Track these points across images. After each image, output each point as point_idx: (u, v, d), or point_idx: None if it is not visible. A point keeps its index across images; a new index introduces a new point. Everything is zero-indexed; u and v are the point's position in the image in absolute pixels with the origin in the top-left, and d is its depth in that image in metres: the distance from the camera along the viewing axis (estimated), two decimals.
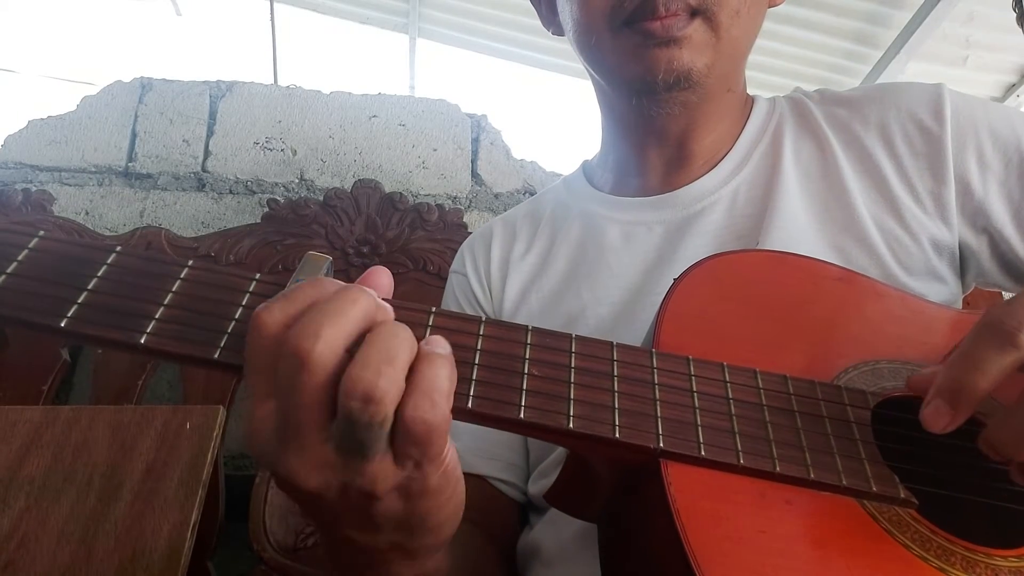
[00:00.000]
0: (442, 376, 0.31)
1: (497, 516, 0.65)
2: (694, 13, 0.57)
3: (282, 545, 1.07)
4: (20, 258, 0.35)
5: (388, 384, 0.30)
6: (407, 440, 0.31)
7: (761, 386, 0.40)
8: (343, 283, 0.34)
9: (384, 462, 0.31)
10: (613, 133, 0.73)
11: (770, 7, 0.66)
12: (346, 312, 0.31)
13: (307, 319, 0.30)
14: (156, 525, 0.73)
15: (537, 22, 0.74)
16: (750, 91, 0.71)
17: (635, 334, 0.48)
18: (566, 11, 0.64)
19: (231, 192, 1.48)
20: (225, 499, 1.03)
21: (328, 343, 0.30)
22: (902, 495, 0.38)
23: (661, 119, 0.64)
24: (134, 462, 0.79)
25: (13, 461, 0.77)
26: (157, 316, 0.34)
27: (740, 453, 0.37)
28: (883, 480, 0.38)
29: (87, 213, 1.43)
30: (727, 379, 0.40)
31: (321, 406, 0.30)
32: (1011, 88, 2.85)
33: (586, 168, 0.78)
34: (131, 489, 0.76)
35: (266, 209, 1.36)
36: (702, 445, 0.37)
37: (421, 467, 0.32)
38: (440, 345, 0.32)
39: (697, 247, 0.62)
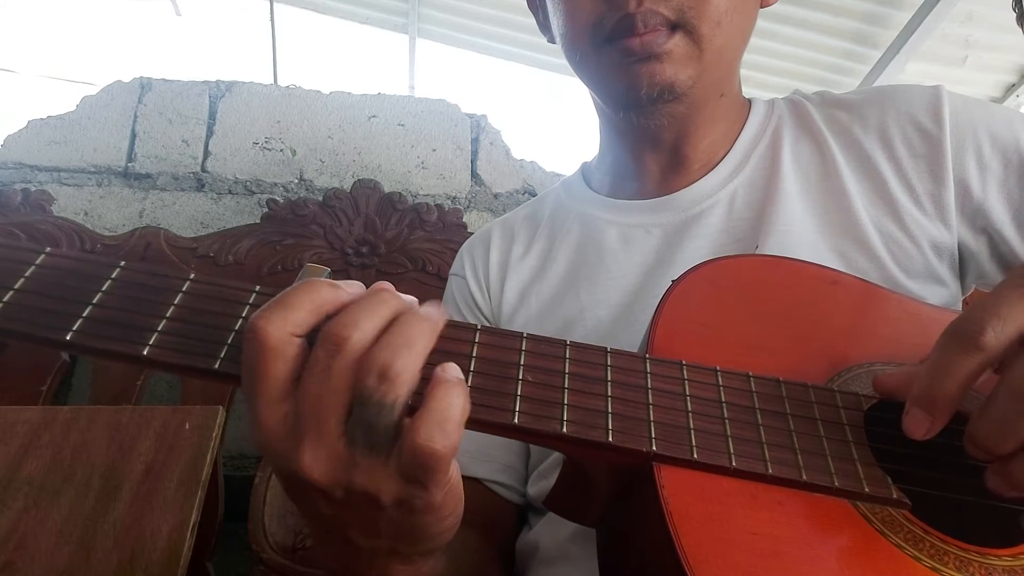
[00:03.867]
0: (455, 405, 0.32)
1: (494, 518, 0.65)
2: (674, 27, 0.57)
3: (281, 545, 1.07)
4: (27, 274, 0.36)
5: (403, 365, 0.31)
6: (414, 465, 0.32)
7: (754, 389, 0.41)
8: (340, 282, 0.35)
9: (389, 470, 0.32)
10: (609, 137, 0.73)
11: (763, 7, 0.66)
12: (379, 309, 0.33)
13: (348, 311, 0.33)
14: (155, 526, 0.73)
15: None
16: (749, 92, 0.71)
17: (633, 337, 0.48)
18: (555, 23, 0.65)
19: (230, 192, 1.48)
20: (224, 499, 1.03)
21: (364, 332, 0.32)
22: (895, 496, 0.38)
23: (652, 129, 0.64)
24: (133, 463, 0.79)
25: (12, 462, 0.77)
26: (159, 329, 0.35)
27: (732, 456, 0.37)
28: (876, 481, 0.38)
29: (86, 213, 1.43)
30: (720, 383, 0.40)
31: (345, 394, 0.32)
32: (1011, 88, 2.85)
33: (585, 170, 0.78)
34: (130, 490, 0.76)
35: (265, 209, 1.36)
36: (695, 448, 0.37)
37: (426, 488, 0.33)
38: (453, 371, 0.34)
39: (695, 250, 0.62)
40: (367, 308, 0.33)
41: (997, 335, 0.35)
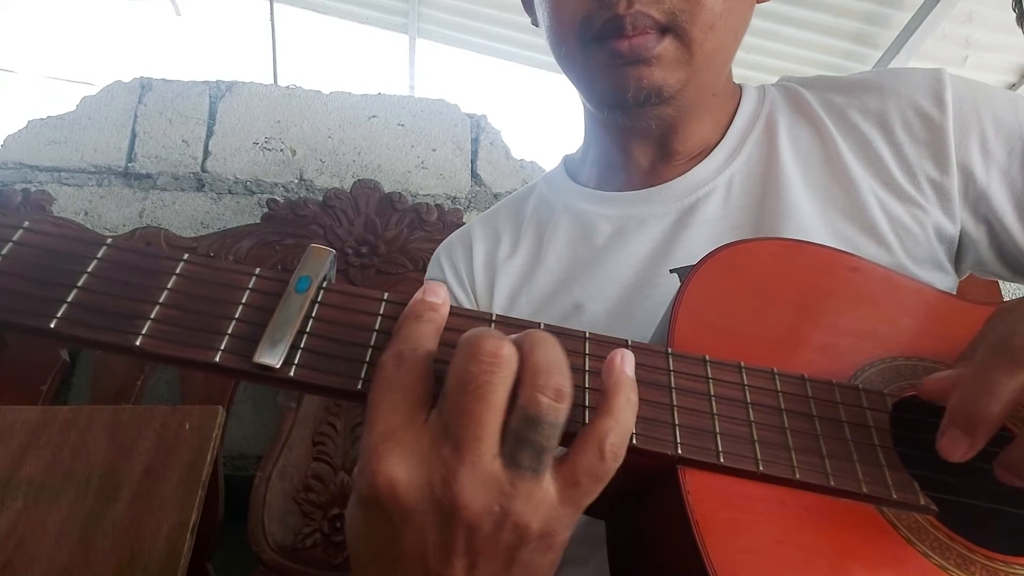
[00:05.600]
0: (632, 413, 0.33)
1: None
2: (664, 30, 0.55)
3: (281, 545, 1.07)
4: (3, 252, 0.33)
5: (567, 383, 0.31)
6: (593, 472, 0.32)
7: (779, 389, 0.39)
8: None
9: (547, 492, 0.31)
10: (594, 130, 0.71)
11: (759, 2, 0.64)
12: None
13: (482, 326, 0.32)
14: (155, 526, 0.73)
15: None
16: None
17: (632, 330, 0.47)
18: (540, 14, 0.63)
19: (230, 192, 1.48)
20: (224, 499, 1.03)
21: (511, 348, 0.31)
22: (922, 502, 0.37)
23: (638, 128, 0.63)
24: (132, 463, 0.79)
25: (11, 461, 0.77)
26: (152, 316, 0.32)
27: (759, 461, 0.36)
28: (903, 487, 0.37)
29: (86, 213, 1.43)
30: (745, 382, 0.39)
31: (502, 411, 0.31)
32: (1011, 88, 2.85)
33: (567, 163, 0.75)
34: (129, 490, 0.76)
35: (265, 209, 1.36)
36: (721, 453, 0.36)
37: (578, 509, 0.33)
38: (629, 365, 0.34)
39: (694, 238, 0.60)
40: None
41: None
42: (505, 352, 0.31)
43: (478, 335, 0.31)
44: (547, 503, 0.31)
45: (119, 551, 0.70)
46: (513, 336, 0.32)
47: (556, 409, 0.30)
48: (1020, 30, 2.22)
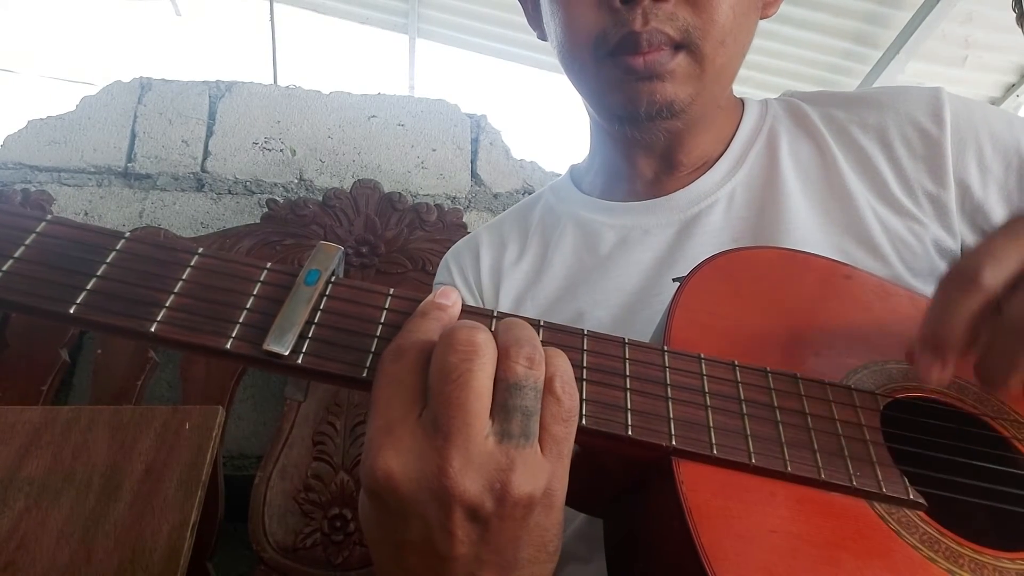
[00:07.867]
0: (568, 364, 0.35)
1: None
2: (677, 47, 0.56)
3: (281, 545, 1.07)
4: (27, 243, 0.35)
5: (537, 347, 0.34)
6: (558, 416, 0.33)
7: (772, 386, 0.40)
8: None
9: (539, 455, 0.33)
10: (600, 140, 0.72)
11: (761, 19, 0.65)
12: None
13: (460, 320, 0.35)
14: (155, 525, 0.73)
15: None
16: (749, 92, 0.71)
17: (634, 337, 0.48)
18: (551, 28, 0.64)
19: (230, 192, 1.48)
20: (224, 499, 1.03)
21: (486, 333, 0.33)
22: (911, 496, 0.38)
23: (646, 141, 0.64)
24: (133, 463, 0.79)
25: (13, 462, 0.77)
26: (167, 304, 0.34)
27: (752, 453, 0.37)
28: (892, 482, 0.38)
29: (86, 214, 1.43)
30: (738, 379, 0.40)
31: (488, 396, 0.32)
32: (1011, 88, 2.85)
33: (573, 173, 0.77)
34: (130, 489, 0.76)
35: (265, 209, 1.36)
36: (714, 445, 0.37)
37: (562, 458, 0.34)
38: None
39: (696, 247, 0.62)
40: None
41: (995, 274, 0.37)
42: (480, 339, 0.32)
43: (454, 326, 0.33)
44: (541, 465, 0.33)
45: (120, 551, 0.71)
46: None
47: (532, 374, 0.33)
48: (1020, 30, 2.23)
